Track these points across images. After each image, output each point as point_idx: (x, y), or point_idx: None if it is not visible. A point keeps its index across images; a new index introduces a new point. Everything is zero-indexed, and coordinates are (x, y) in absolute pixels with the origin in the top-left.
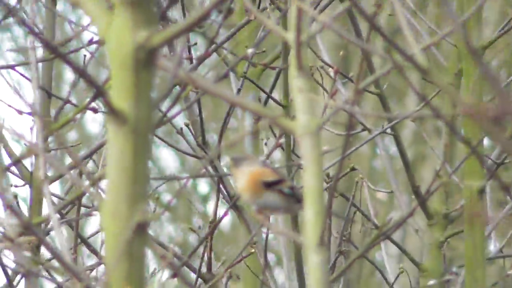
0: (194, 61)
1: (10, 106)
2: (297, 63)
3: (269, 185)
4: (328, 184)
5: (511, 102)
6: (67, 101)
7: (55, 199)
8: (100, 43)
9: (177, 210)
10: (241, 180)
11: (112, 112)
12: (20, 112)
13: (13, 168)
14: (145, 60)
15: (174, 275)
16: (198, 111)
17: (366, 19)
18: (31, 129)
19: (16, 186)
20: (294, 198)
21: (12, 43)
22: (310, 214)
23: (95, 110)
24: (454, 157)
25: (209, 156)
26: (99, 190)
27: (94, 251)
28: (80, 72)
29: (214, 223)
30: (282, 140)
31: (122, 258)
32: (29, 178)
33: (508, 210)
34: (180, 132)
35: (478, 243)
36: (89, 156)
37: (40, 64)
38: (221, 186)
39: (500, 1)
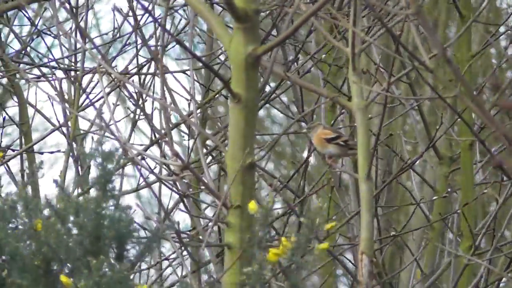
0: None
1: (180, 95)
2: (352, 66)
3: (329, 140)
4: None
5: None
6: (213, 91)
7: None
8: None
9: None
10: (313, 138)
11: (233, 95)
12: (187, 99)
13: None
14: (252, 63)
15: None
16: (300, 92)
17: (394, 38)
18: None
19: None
20: (347, 147)
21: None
22: (360, 159)
23: (225, 97)
24: (455, 124)
25: (298, 118)
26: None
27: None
28: (216, 74)
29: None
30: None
31: (238, 184)
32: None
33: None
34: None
35: (469, 175)
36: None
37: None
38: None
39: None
